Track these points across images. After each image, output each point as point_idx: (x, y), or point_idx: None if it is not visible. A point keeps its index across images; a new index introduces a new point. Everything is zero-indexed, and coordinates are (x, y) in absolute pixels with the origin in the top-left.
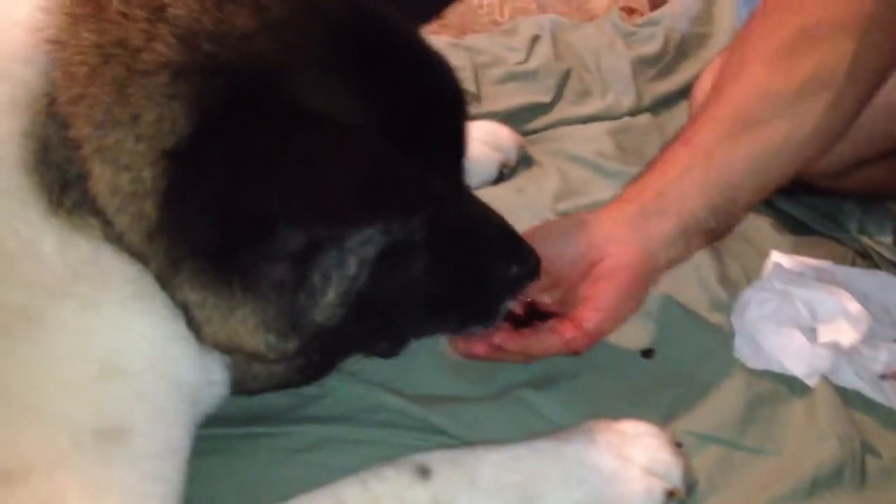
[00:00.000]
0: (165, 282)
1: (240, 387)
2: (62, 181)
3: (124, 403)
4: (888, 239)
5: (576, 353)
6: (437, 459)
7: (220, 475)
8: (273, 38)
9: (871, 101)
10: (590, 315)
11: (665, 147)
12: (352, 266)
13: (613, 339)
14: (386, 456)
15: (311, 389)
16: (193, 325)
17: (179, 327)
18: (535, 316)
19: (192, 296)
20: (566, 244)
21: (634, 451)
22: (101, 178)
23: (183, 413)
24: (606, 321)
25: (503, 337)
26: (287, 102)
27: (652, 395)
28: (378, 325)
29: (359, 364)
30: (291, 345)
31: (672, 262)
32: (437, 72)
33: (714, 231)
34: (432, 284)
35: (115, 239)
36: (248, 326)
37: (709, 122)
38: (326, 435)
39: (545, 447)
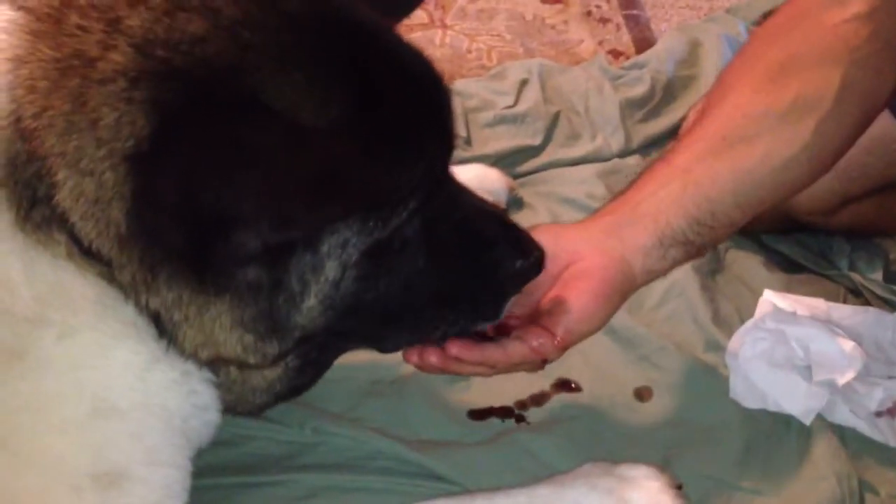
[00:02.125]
0: (140, 288)
1: (241, 406)
2: (31, 198)
3: (120, 445)
4: (878, 275)
5: (545, 362)
6: None
7: None
8: (227, 39)
9: (863, 131)
10: (560, 318)
11: (645, 168)
12: (331, 270)
13: (608, 381)
14: (384, 503)
15: (307, 437)
16: (171, 330)
17: (155, 347)
18: (503, 333)
19: (170, 295)
20: None
21: (635, 495)
22: (66, 185)
23: (178, 451)
24: (577, 324)
25: (460, 347)
26: (242, 102)
27: (649, 437)
28: (379, 323)
29: (355, 411)
30: (271, 348)
31: (650, 273)
32: (411, 65)
33: (693, 244)
34: (434, 282)
35: (82, 253)
36: (223, 325)
37: (690, 142)
38: (323, 483)
39: (545, 494)
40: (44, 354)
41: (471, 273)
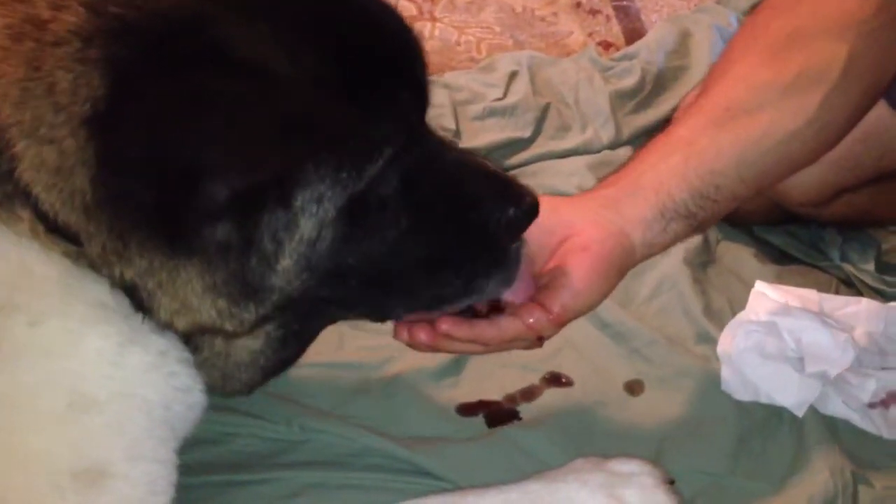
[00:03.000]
0: (112, 258)
1: (229, 385)
2: None
3: (100, 439)
4: (870, 266)
5: (541, 339)
6: None
7: None
8: None
9: (870, 107)
10: (556, 294)
11: (646, 142)
12: (307, 228)
13: (599, 375)
14: (373, 501)
15: (292, 434)
16: (145, 300)
17: (126, 329)
18: (498, 310)
19: (143, 262)
20: (534, 224)
21: (627, 491)
22: (26, 156)
23: (161, 444)
24: (574, 299)
25: (451, 324)
26: (202, 52)
27: (641, 431)
28: (367, 289)
29: (343, 408)
30: (248, 313)
31: (650, 247)
32: (379, 14)
33: (695, 217)
34: (421, 242)
35: (47, 230)
36: (195, 289)
37: (693, 114)
38: (311, 481)
39: (536, 490)
40: (16, 344)
41: (460, 229)
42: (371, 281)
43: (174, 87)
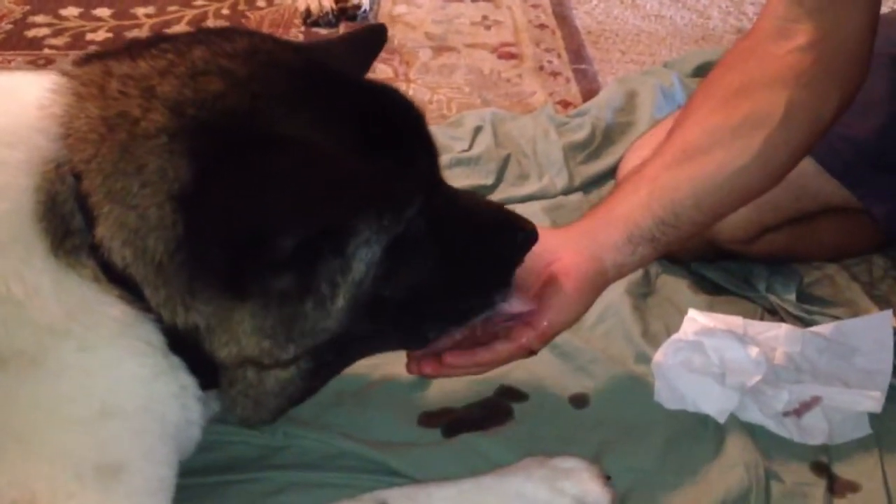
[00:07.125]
0: (178, 308)
1: (258, 413)
2: (65, 229)
3: (122, 441)
4: (792, 296)
5: (532, 354)
6: (393, 495)
7: None
8: (241, 93)
9: (811, 147)
10: (542, 313)
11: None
12: (358, 269)
13: (549, 389)
14: (347, 496)
15: (277, 440)
16: (203, 337)
17: (162, 362)
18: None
19: (206, 309)
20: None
21: (567, 484)
22: (109, 217)
23: (170, 452)
24: (557, 315)
25: (453, 356)
26: (262, 138)
27: (583, 437)
28: (399, 317)
29: (322, 419)
30: (286, 353)
31: (621, 268)
32: (390, 96)
33: (659, 241)
34: (448, 268)
35: (108, 279)
36: (245, 329)
37: (657, 156)
38: (292, 480)
39: (488, 482)
40: (62, 363)
41: (477, 254)
42: (404, 309)
43: (245, 171)
